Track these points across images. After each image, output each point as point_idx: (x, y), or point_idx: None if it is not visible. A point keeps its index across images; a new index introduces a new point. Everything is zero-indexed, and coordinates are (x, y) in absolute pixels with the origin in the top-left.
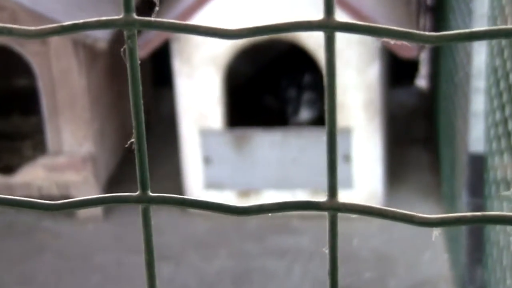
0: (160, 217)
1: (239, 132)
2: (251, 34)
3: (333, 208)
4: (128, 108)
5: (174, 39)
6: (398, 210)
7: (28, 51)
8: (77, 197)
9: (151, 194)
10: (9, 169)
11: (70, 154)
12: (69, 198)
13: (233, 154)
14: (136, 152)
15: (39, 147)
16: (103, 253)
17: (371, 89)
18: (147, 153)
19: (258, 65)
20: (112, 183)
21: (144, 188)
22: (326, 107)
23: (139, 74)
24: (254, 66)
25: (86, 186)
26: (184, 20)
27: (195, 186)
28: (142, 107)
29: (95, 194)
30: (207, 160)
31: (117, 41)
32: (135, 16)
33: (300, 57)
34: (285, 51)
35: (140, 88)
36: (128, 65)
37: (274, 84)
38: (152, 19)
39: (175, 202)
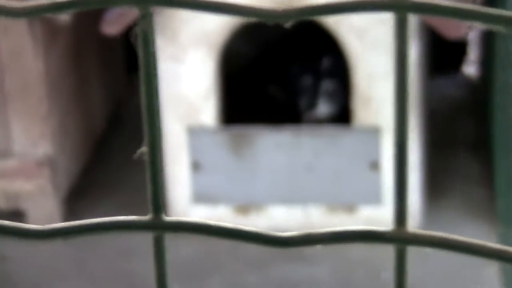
0: (133, 237)
1: (238, 131)
2: (301, 15)
3: (402, 239)
4: (95, 100)
5: (155, 12)
6: (492, 245)
7: None
8: (29, 211)
9: (166, 218)
10: None
11: (22, 157)
12: (20, 212)
13: (230, 158)
14: (148, 165)
15: None
16: (61, 282)
17: None
18: (119, 154)
19: (263, 45)
20: (75, 194)
21: (157, 211)
22: (395, 112)
23: (156, 66)
24: (257, 46)
25: (42, 197)
26: None
27: (181, 199)
28: (159, 109)
29: (54, 207)
30: (196, 166)
31: (81, 15)
32: None
33: (315, 35)
34: (296, 27)
35: (158, 84)
36: (140, 53)
37: (283, 69)
38: None
39: (198, 229)
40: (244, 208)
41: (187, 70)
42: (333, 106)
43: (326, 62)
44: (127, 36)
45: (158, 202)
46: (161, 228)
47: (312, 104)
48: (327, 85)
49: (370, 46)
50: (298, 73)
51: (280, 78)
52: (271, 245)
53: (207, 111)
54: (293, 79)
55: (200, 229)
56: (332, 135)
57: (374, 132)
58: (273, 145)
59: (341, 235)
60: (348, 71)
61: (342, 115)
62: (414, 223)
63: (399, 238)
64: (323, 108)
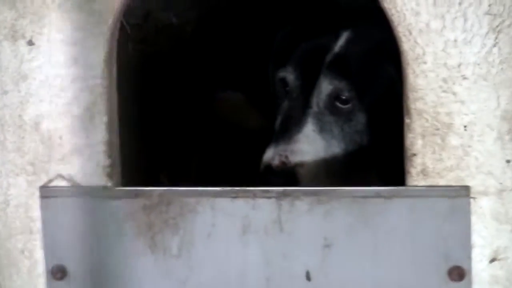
0: None
1: (154, 197)
2: None
3: None
4: None
5: None
6: None
7: None
8: None
9: None
10: None
11: None
12: None
13: (138, 257)
14: None
15: None
16: None
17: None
18: None
19: (206, 12)
20: None
21: None
22: None
23: None
24: (196, 14)
25: None
26: None
27: None
28: None
29: None
30: (61, 275)
31: None
32: None
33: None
34: None
35: None
36: None
37: (246, 61)
38: None
39: None
40: None
41: (43, 60)
42: (338, 140)
43: (342, 42)
44: None
45: None
46: None
47: (284, 131)
48: (328, 88)
49: (435, 25)
50: (276, 64)
51: (242, 77)
52: None
53: (87, 151)
54: (271, 77)
55: None
56: (360, 205)
57: (456, 200)
58: (232, 227)
59: None
60: (395, 64)
61: (364, 154)
62: None
63: None
64: (303, 143)
